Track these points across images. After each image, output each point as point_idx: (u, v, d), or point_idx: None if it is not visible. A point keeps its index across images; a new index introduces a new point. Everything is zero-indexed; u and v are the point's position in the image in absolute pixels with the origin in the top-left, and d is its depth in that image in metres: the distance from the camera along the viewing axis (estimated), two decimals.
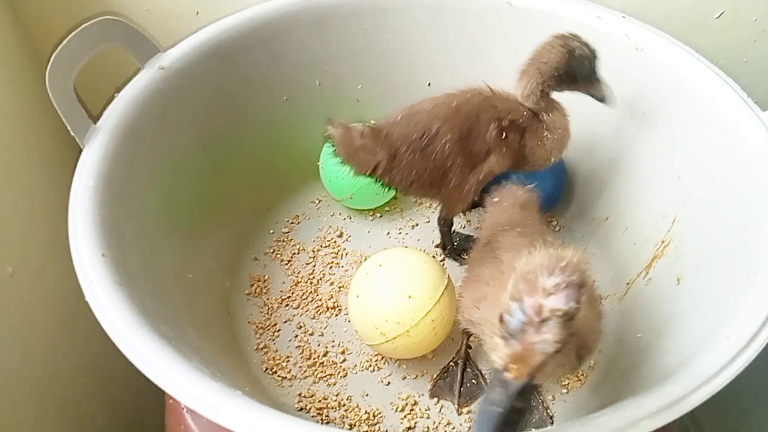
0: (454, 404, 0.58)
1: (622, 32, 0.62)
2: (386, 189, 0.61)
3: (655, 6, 0.70)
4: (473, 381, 0.59)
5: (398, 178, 0.59)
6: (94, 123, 0.54)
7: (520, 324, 0.33)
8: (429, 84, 0.72)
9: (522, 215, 0.54)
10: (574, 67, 0.56)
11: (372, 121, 0.60)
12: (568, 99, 0.68)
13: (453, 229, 0.68)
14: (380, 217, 0.74)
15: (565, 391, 0.59)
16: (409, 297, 0.55)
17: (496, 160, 0.58)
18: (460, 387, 0.59)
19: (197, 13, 0.74)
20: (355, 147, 0.58)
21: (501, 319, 0.34)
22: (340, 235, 0.72)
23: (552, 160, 0.61)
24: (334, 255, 0.70)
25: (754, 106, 0.55)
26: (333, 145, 0.59)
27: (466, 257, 0.60)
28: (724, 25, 0.72)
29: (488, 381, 0.33)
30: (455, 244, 0.68)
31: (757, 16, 0.71)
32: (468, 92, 0.59)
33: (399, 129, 0.58)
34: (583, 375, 0.60)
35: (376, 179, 0.60)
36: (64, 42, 0.52)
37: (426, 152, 0.57)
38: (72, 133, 0.53)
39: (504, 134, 0.58)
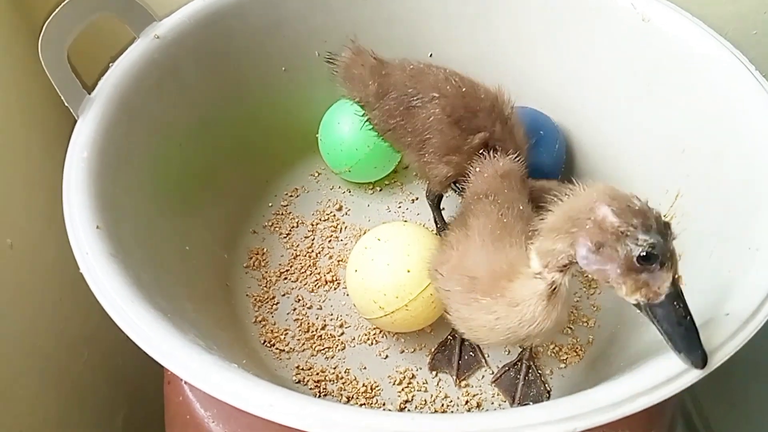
0: (452, 377, 0.58)
1: (628, 2, 0.60)
2: (385, 161, 0.61)
3: None
4: (471, 353, 0.59)
5: (377, 119, 0.59)
6: (89, 93, 0.54)
7: (663, 244, 0.34)
8: (431, 55, 0.71)
9: (501, 184, 0.52)
10: None
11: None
12: (572, 72, 0.67)
13: None
14: (380, 190, 0.73)
15: (563, 365, 0.59)
16: (408, 271, 0.54)
17: (457, 162, 0.56)
18: (459, 360, 0.59)
19: None
20: (353, 73, 0.59)
21: (641, 259, 0.34)
22: (340, 209, 0.71)
23: None
24: (333, 228, 0.69)
25: (762, 80, 0.53)
26: (336, 64, 0.60)
27: None
28: None
29: (660, 317, 0.36)
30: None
31: None
32: (485, 92, 0.57)
33: (400, 75, 0.58)
34: (581, 350, 0.60)
35: (363, 113, 0.60)
36: (56, 11, 0.51)
37: (410, 112, 0.56)
38: (66, 104, 0.52)
39: (481, 150, 0.55)
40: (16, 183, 0.65)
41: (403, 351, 0.60)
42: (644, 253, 0.34)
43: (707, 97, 0.56)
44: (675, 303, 0.36)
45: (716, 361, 0.38)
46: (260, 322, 0.62)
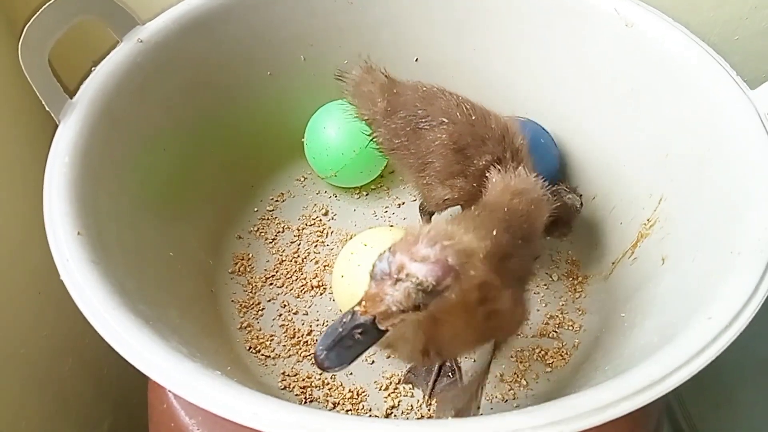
0: (425, 394, 0.57)
1: (611, 7, 0.60)
2: (371, 166, 0.61)
3: None
4: (449, 374, 0.58)
5: (383, 137, 0.58)
6: (71, 98, 0.53)
7: (381, 272, 0.35)
8: (417, 60, 0.71)
9: (508, 202, 0.50)
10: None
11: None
12: (553, 73, 0.67)
13: None
14: (366, 195, 0.73)
15: (549, 369, 0.59)
16: None
17: (460, 186, 0.56)
18: (435, 378, 0.58)
19: None
20: (362, 91, 0.58)
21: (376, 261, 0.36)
22: (326, 214, 0.71)
23: None
24: (319, 233, 0.69)
25: (744, 85, 0.54)
26: (346, 82, 0.60)
27: None
28: (716, 1, 0.70)
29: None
30: None
31: None
32: (496, 121, 0.56)
33: (411, 96, 0.57)
34: (567, 354, 0.60)
35: (371, 133, 0.60)
36: (37, 14, 0.51)
37: (417, 133, 0.56)
38: (47, 108, 0.52)
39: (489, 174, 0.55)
40: None
41: (389, 356, 0.60)
42: (375, 261, 0.36)
43: (690, 102, 0.56)
44: (352, 314, 0.36)
45: (697, 366, 0.38)
46: (245, 328, 0.61)
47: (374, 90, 0.58)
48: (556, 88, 0.68)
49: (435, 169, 0.56)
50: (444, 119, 0.55)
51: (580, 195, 0.63)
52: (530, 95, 0.69)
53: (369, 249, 0.56)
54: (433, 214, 0.64)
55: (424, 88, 0.58)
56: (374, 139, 0.60)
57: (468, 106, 0.56)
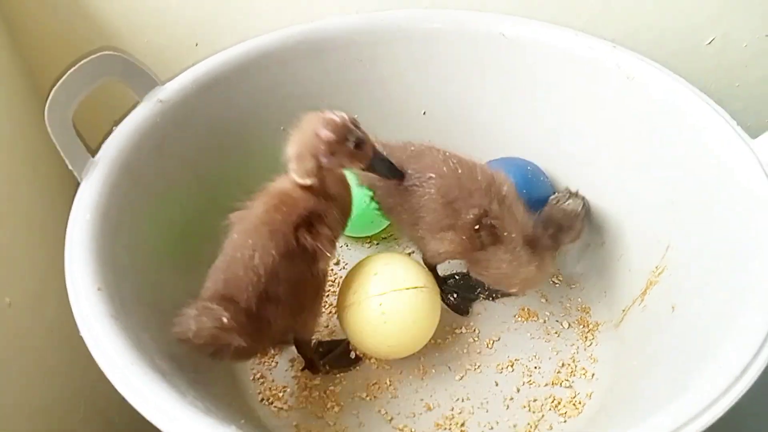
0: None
1: (613, 62, 0.62)
2: (381, 215, 0.63)
3: (645, 33, 0.71)
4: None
5: (380, 198, 0.61)
6: (93, 156, 0.55)
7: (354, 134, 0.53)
8: (424, 113, 0.73)
9: None
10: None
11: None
12: (562, 116, 0.69)
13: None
14: (377, 244, 0.74)
15: (562, 420, 0.58)
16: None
17: (450, 239, 0.58)
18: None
19: (197, 45, 0.75)
20: None
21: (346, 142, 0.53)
22: (337, 263, 0.72)
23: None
24: (330, 283, 0.70)
25: (745, 135, 0.55)
26: None
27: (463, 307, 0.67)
28: (716, 50, 0.72)
29: (377, 169, 0.55)
30: (454, 298, 0.68)
31: (748, 41, 0.72)
32: (482, 173, 0.58)
33: (399, 156, 0.59)
34: (580, 403, 0.59)
35: (372, 196, 0.62)
36: (63, 78, 0.53)
37: (409, 190, 0.58)
38: (70, 167, 0.53)
39: (478, 227, 0.57)
40: (16, 242, 0.66)
41: (401, 407, 0.60)
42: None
43: (692, 152, 0.58)
44: (379, 159, 0.54)
45: (709, 418, 0.39)
46: (258, 379, 0.62)
47: None
48: (564, 138, 0.69)
49: (426, 223, 0.59)
50: (431, 174, 0.58)
51: (583, 197, 0.63)
52: (538, 145, 0.71)
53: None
54: (436, 266, 0.66)
55: (413, 148, 0.60)
56: (375, 201, 0.62)
57: (455, 161, 0.58)
